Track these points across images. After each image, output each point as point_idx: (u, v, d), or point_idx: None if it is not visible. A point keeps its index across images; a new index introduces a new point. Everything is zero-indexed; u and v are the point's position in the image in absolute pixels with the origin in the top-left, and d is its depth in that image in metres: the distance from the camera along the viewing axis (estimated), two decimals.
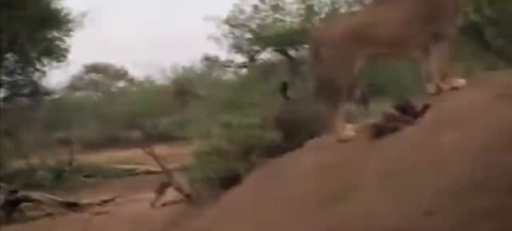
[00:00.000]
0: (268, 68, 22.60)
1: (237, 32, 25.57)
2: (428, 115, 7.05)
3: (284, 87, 7.74)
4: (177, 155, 18.70)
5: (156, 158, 12.58)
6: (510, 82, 7.18)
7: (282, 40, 24.94)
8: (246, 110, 9.10)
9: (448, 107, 6.96)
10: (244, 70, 27.12)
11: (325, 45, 7.65)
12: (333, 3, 23.97)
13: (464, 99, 7.07)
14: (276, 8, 24.93)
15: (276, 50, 26.15)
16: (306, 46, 25.48)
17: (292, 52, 25.63)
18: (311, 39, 8.29)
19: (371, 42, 7.61)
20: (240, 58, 26.54)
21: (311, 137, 8.87)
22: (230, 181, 8.36)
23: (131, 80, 29.27)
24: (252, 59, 26.29)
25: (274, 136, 8.58)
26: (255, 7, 24.82)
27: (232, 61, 26.62)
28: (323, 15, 25.34)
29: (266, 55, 26.64)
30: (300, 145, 8.58)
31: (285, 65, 23.52)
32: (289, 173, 7.67)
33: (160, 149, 22.21)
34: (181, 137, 19.97)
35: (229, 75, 29.37)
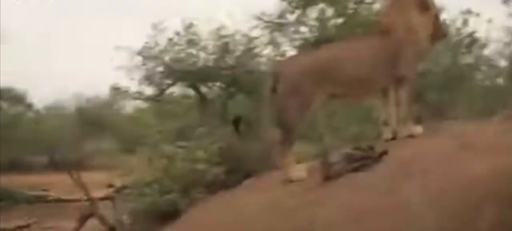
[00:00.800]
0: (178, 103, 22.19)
1: (150, 64, 25.26)
2: (389, 161, 6.86)
3: (237, 122, 7.45)
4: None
5: (82, 186, 12.04)
6: (469, 132, 7.11)
7: (195, 76, 24.78)
8: (191, 143, 8.75)
9: (410, 154, 6.78)
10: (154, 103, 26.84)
11: (283, 80, 7.39)
12: (248, 42, 23.95)
13: (424, 147, 6.94)
14: (191, 42, 24.76)
15: (187, 86, 25.95)
16: (218, 84, 25.50)
17: (203, 89, 25.51)
18: (270, 73, 8.06)
19: (331, 81, 7.43)
20: (150, 91, 26.24)
21: (249, 176, 8.65)
22: (169, 215, 7.99)
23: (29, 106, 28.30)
24: (162, 92, 25.99)
25: (218, 171, 8.25)
26: (170, 40, 24.61)
27: (142, 93, 26.25)
28: (237, 53, 25.39)
29: (177, 89, 26.49)
30: (241, 182, 8.31)
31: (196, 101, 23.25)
32: (232, 212, 7.32)
33: (66, 177, 21.61)
34: (89, 166, 19.41)
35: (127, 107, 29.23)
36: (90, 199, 12.02)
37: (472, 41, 14.32)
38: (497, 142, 6.66)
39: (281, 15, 18.45)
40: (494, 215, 5.05)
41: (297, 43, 17.13)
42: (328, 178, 6.96)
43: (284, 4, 18.25)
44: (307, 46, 14.88)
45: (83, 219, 12.08)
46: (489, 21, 16.95)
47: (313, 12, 17.34)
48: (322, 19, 16.58)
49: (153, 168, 8.36)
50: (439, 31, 7.88)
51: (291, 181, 7.33)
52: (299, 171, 7.46)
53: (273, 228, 6.46)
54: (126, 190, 14.66)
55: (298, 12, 17.14)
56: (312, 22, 17.17)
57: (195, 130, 9.71)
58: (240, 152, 9.16)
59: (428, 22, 7.65)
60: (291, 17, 17.86)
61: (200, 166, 8.29)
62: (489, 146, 6.55)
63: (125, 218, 10.19)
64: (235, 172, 8.69)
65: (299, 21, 17.38)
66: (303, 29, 17.33)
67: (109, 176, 17.29)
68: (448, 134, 7.27)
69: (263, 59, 24.95)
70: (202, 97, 21.57)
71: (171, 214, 8.01)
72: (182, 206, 8.01)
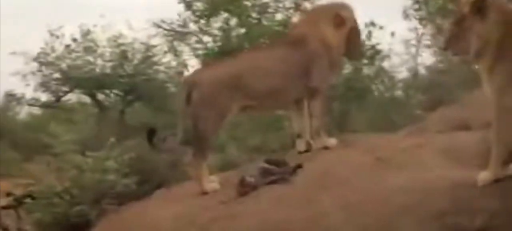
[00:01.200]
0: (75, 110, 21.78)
1: (46, 70, 24.76)
2: (305, 173, 6.88)
3: (151, 134, 7.33)
4: None
5: None
6: (383, 146, 7.21)
7: (92, 83, 24.42)
8: (100, 153, 8.57)
9: (326, 166, 6.82)
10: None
11: (198, 91, 7.32)
12: (146, 50, 23.78)
13: (339, 160, 6.99)
14: (88, 49, 24.40)
15: (85, 93, 25.54)
16: (116, 91, 25.19)
17: (100, 97, 25.15)
18: (184, 82, 7.98)
19: (245, 92, 7.40)
20: (46, 97, 25.75)
21: (160, 186, 8.56)
22: (79, 226, 7.82)
23: None
24: (59, 99, 25.51)
25: (128, 182, 8.12)
26: (67, 47, 24.18)
27: (37, 100, 25.72)
28: (136, 62, 25.16)
29: (73, 96, 26.05)
30: (151, 193, 8.22)
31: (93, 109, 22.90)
32: (145, 225, 7.19)
33: None
34: None
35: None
36: None
37: (375, 53, 14.58)
38: (410, 156, 6.77)
39: (184, 24, 18.28)
40: (411, 229, 5.09)
41: (200, 52, 17.05)
42: (243, 194, 6.92)
43: (188, 13, 18.05)
44: (210, 55, 14.76)
45: None
46: (392, 34, 17.34)
47: (217, 22, 17.26)
48: (225, 29, 16.52)
49: (62, 178, 8.13)
50: (355, 49, 7.92)
51: (205, 193, 7.24)
52: (213, 183, 7.38)
53: None
54: (29, 199, 14.31)
55: (202, 21, 16.98)
56: (216, 32, 17.08)
57: (98, 139, 9.50)
58: (150, 162, 9.04)
59: (341, 37, 7.67)
60: (195, 26, 17.69)
61: (111, 177, 8.11)
62: (403, 161, 6.65)
63: (28, 228, 9.90)
64: (146, 182, 8.57)
65: (202, 31, 17.23)
66: (206, 38, 17.24)
67: (7, 184, 16.82)
68: (362, 147, 7.34)
69: (161, 68, 24.86)
70: (100, 105, 21.19)
71: (81, 225, 7.83)
72: (92, 217, 7.81)
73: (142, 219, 7.38)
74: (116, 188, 8.12)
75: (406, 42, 18.52)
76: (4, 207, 12.33)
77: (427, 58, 18.42)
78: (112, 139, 8.65)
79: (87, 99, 26.13)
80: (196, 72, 8.59)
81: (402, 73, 17.76)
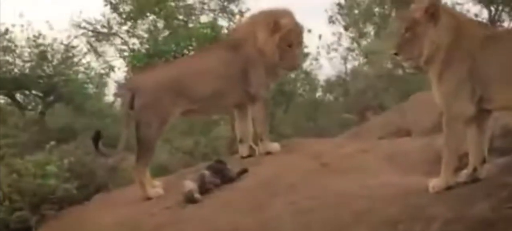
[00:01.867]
0: None
1: None
2: (252, 178, 6.86)
3: (96, 137, 7.22)
4: None
5: None
6: (326, 151, 7.25)
7: (10, 84, 23.92)
8: (40, 157, 8.40)
9: (273, 172, 6.81)
10: None
11: (139, 94, 7.25)
12: (66, 51, 23.44)
13: (285, 165, 6.99)
14: (6, 49, 23.87)
15: (3, 94, 24.98)
16: (35, 92, 24.71)
17: (19, 97, 24.63)
18: (126, 86, 7.88)
19: (187, 96, 7.36)
20: None
21: (99, 190, 8.45)
22: None
23: None
24: None
25: (69, 186, 7.97)
26: None
27: None
28: (55, 62, 24.74)
29: None
30: (90, 198, 8.11)
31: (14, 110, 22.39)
32: (86, 230, 7.08)
33: None
34: None
35: None
36: None
37: (303, 56, 14.64)
38: (356, 162, 6.83)
39: (109, 26, 18.03)
40: None
41: (126, 54, 16.85)
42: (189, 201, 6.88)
43: (113, 14, 17.81)
44: (137, 58, 14.61)
45: None
46: (320, 37, 17.45)
47: (144, 24, 17.07)
48: (152, 31, 16.35)
49: (2, 183, 7.92)
50: (292, 60, 7.82)
51: (149, 199, 7.17)
52: (156, 188, 7.32)
53: None
54: None
55: (128, 23, 16.77)
56: (143, 34, 16.90)
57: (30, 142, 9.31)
58: (89, 166, 8.88)
59: (274, 44, 7.60)
60: (122, 28, 17.46)
61: (51, 181, 7.94)
62: (349, 166, 6.70)
63: None
64: (85, 187, 8.42)
65: (129, 33, 17.02)
66: (132, 40, 17.06)
67: None
68: (306, 153, 7.36)
69: (81, 68, 24.51)
70: (20, 107, 20.74)
71: None
72: (32, 222, 7.64)
73: (84, 224, 7.28)
74: (57, 193, 7.93)
75: (329, 46, 18.73)
76: None
77: (350, 62, 18.72)
78: (52, 142, 8.46)
79: (7, 100, 25.73)
80: (137, 77, 8.48)
81: (327, 77, 17.98)
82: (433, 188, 5.41)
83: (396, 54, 5.81)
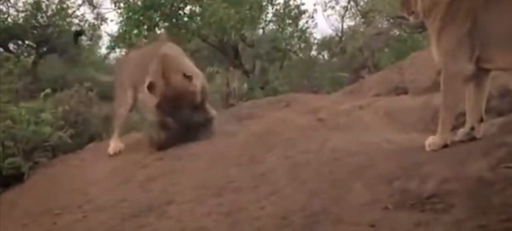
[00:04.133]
0: None
1: None
2: (247, 132, 6.85)
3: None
4: None
5: None
6: (324, 108, 7.23)
7: (4, 33, 23.88)
8: (35, 104, 8.36)
9: (269, 127, 6.79)
10: None
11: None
12: (60, 2, 23.31)
13: (282, 120, 6.98)
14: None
15: None
16: (28, 42, 24.65)
17: (12, 47, 24.60)
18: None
19: None
20: None
21: (92, 140, 8.43)
22: (11, 178, 7.62)
23: None
24: None
25: (63, 135, 7.95)
26: None
27: None
28: (50, 13, 24.66)
29: None
30: (82, 147, 8.10)
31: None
32: (79, 178, 7.05)
33: None
34: None
35: None
36: None
37: (299, 13, 14.56)
38: (352, 118, 6.81)
39: None
40: (362, 192, 5.08)
41: (122, 5, 16.66)
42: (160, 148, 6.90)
43: None
44: (133, 9, 14.48)
45: None
46: None
47: None
48: None
49: None
50: None
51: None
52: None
53: (129, 199, 6.23)
54: None
55: None
56: None
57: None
58: (83, 115, 8.85)
59: None
60: None
61: (45, 129, 7.91)
62: (346, 122, 6.69)
63: None
64: (78, 135, 8.40)
65: None
66: None
67: None
68: (302, 108, 7.35)
69: (76, 20, 24.45)
70: (15, 56, 20.68)
71: (14, 178, 7.64)
72: (25, 169, 7.61)
73: (76, 173, 7.28)
74: (51, 141, 7.91)
75: (326, 4, 18.60)
76: None
77: (346, 21, 18.60)
78: (48, 90, 8.41)
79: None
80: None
81: (323, 36, 17.89)
82: (430, 146, 5.37)
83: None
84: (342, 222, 4.73)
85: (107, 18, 19.67)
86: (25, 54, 25.15)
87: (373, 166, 5.36)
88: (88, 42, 25.94)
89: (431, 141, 5.42)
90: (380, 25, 14.24)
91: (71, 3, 24.24)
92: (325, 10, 18.04)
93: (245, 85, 11.92)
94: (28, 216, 6.56)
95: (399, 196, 4.81)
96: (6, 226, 6.47)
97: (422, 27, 10.25)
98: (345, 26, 17.89)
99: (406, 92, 7.97)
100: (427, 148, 5.39)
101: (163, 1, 14.69)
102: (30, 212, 6.63)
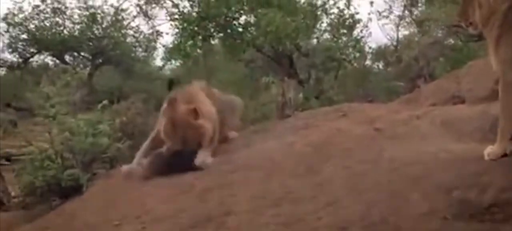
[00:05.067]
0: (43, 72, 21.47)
1: (13, 31, 24.67)
2: (305, 143, 6.87)
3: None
4: None
5: None
6: (381, 117, 7.23)
7: (60, 45, 24.31)
8: (93, 115, 8.49)
9: (327, 137, 6.81)
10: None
11: None
12: (116, 14, 23.60)
13: (339, 130, 6.99)
14: (57, 11, 24.17)
15: (52, 55, 25.41)
16: (84, 54, 25.03)
17: (68, 59, 25.00)
18: None
19: None
20: (12, 58, 25.67)
21: None
22: (70, 190, 7.76)
23: None
24: (26, 61, 25.38)
25: (121, 146, 8.07)
26: (35, 7, 23.96)
27: (5, 61, 25.61)
28: (105, 24, 25.01)
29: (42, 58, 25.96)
30: None
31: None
32: (140, 190, 7.11)
33: None
34: None
35: None
36: None
37: (354, 23, 14.57)
38: (409, 128, 6.79)
39: None
40: (421, 202, 5.07)
41: (176, 17, 16.75)
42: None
43: None
44: (188, 21, 14.60)
45: None
46: (371, 3, 17.21)
47: None
48: None
49: (54, 141, 8.05)
50: None
51: None
52: None
53: (187, 210, 6.29)
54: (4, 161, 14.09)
55: None
56: None
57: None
58: (140, 126, 8.97)
59: None
60: None
61: (103, 140, 8.04)
62: (403, 132, 6.67)
63: (10, 188, 9.81)
64: (136, 147, 8.50)
65: None
66: (184, 3, 16.91)
67: None
68: (359, 118, 7.35)
69: (130, 32, 24.75)
70: (72, 68, 21.01)
71: (72, 189, 7.78)
72: (83, 181, 7.75)
73: (136, 184, 7.31)
74: (108, 152, 8.05)
75: (380, 13, 18.49)
76: None
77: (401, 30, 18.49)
78: (105, 102, 8.55)
79: (56, 61, 26.18)
80: None
81: (378, 45, 17.82)
82: (489, 155, 5.32)
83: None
84: None
85: (162, 32, 19.86)
86: (81, 66, 25.63)
87: (431, 175, 5.33)
88: (143, 54, 26.26)
89: (489, 150, 5.36)
90: (435, 34, 14.16)
91: (126, 14, 24.55)
92: (379, 19, 17.97)
93: (301, 95, 11.97)
94: (87, 228, 6.63)
95: (457, 206, 4.78)
96: None
97: (478, 36, 10.16)
98: (400, 35, 17.85)
99: (463, 102, 7.91)
100: (486, 158, 5.33)
101: (217, 12, 14.79)
102: (90, 224, 6.70)
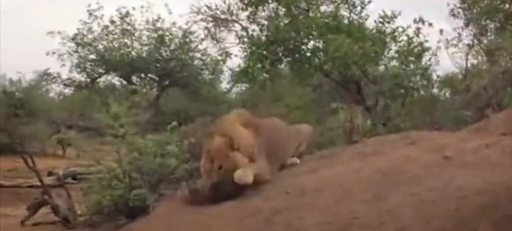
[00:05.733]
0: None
1: (82, 51, 25.14)
2: (373, 169, 6.88)
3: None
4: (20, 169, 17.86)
5: (36, 171, 11.66)
6: (450, 145, 7.20)
7: (127, 66, 24.67)
8: (161, 136, 8.63)
9: (395, 164, 6.81)
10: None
11: None
12: (184, 36, 23.83)
13: (407, 157, 6.98)
14: (125, 32, 24.56)
15: (119, 76, 25.83)
16: (151, 75, 25.36)
17: (135, 80, 25.36)
18: None
19: None
20: (80, 78, 26.14)
21: None
22: (136, 210, 7.89)
23: None
24: (93, 81, 25.85)
25: (189, 167, 8.18)
26: (105, 28, 24.38)
27: (73, 81, 26.10)
28: (173, 47, 25.32)
29: (109, 78, 26.40)
30: None
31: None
32: (206, 212, 7.16)
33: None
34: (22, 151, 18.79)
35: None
36: (44, 187, 11.70)
37: (423, 50, 14.53)
38: (479, 157, 6.75)
39: (229, 11, 18.06)
40: None
41: (245, 40, 16.86)
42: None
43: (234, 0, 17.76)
44: (257, 44, 14.69)
45: (36, 207, 11.73)
46: (441, 32, 17.10)
47: (265, 11, 16.92)
48: (273, 18, 16.19)
49: (122, 160, 8.20)
50: None
51: None
52: None
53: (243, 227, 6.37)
54: (71, 179, 14.39)
55: (249, 9, 16.65)
56: (263, 21, 16.73)
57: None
58: None
59: None
60: (242, 14, 17.40)
61: (171, 161, 8.17)
62: (473, 161, 6.63)
63: (76, 207, 10.01)
64: None
65: (250, 19, 16.92)
66: (253, 27, 16.98)
67: (46, 162, 16.95)
68: (428, 145, 7.33)
69: (198, 54, 24.98)
70: (133, 90, 21.34)
71: (139, 209, 7.90)
72: (150, 201, 7.87)
73: (202, 206, 7.37)
74: (176, 173, 8.16)
75: (449, 42, 18.33)
76: (51, 186, 12.40)
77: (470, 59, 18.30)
78: (174, 123, 8.68)
79: (123, 82, 26.61)
80: None
81: (445, 73, 17.70)
82: None
83: None
84: None
85: (231, 53, 20.02)
86: (148, 87, 26.01)
87: (500, 205, 5.31)
88: (210, 77, 26.47)
89: None
90: (504, 63, 14.03)
91: (194, 37, 24.79)
92: (448, 48, 17.85)
93: (368, 122, 12.00)
94: None
95: None
96: None
97: None
98: (468, 64, 17.71)
99: None
100: None
101: (286, 36, 14.88)
102: None
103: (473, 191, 5.67)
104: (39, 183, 12.07)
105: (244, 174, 7.10)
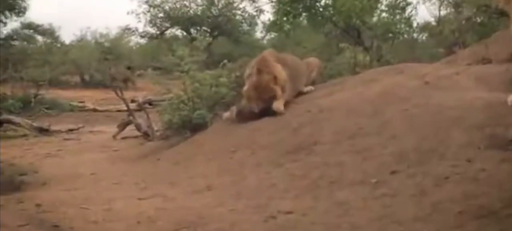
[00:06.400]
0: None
1: (153, 11, 25.28)
2: (370, 91, 6.87)
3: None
4: (108, 98, 18.18)
5: (124, 99, 11.81)
6: (429, 73, 7.17)
7: (187, 21, 24.82)
8: (215, 71, 8.68)
9: (387, 88, 6.79)
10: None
11: None
12: None
13: (397, 83, 6.95)
14: None
15: (181, 29, 25.95)
16: (205, 28, 25.35)
17: (193, 31, 25.47)
18: None
19: None
20: (152, 31, 26.31)
21: None
22: (198, 126, 7.98)
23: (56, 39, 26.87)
24: (162, 33, 26.01)
25: (236, 94, 8.24)
26: None
27: (147, 33, 26.30)
28: (220, 6, 25.29)
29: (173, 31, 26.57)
30: None
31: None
32: (250, 126, 7.16)
33: (94, 92, 21.28)
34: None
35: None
36: (129, 110, 11.85)
37: (406, 4, 14.37)
38: (451, 82, 6.73)
39: None
40: (460, 136, 5.07)
41: None
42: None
43: None
44: (283, 1, 14.49)
45: (123, 126, 11.90)
46: None
47: None
48: None
49: (187, 89, 8.28)
50: None
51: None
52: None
53: (284, 139, 6.41)
54: (148, 105, 14.54)
55: None
56: None
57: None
58: None
59: None
60: None
61: (223, 89, 8.22)
62: (446, 84, 6.61)
63: (156, 127, 10.13)
64: None
65: None
66: None
67: (129, 93, 17.19)
68: (412, 74, 7.30)
69: (239, 11, 25.14)
70: (192, 38, 21.32)
71: (200, 125, 7.98)
72: (208, 119, 7.95)
73: (246, 122, 7.36)
74: (227, 98, 8.22)
75: None
76: (135, 110, 12.57)
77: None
78: (225, 61, 8.73)
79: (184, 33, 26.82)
80: None
81: (424, 21, 17.51)
82: (511, 101, 5.28)
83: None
84: (446, 158, 4.78)
85: (263, 10, 19.95)
86: (203, 36, 26.03)
87: (468, 116, 5.34)
88: (248, 28, 26.68)
89: (511, 98, 5.31)
90: (466, 13, 13.85)
91: None
92: (424, 2, 17.60)
93: (367, 58, 11.96)
94: (211, 153, 6.81)
95: (488, 139, 4.83)
96: (198, 159, 6.80)
97: (500, 14, 9.96)
98: (441, 14, 17.49)
99: (490, 62, 7.80)
100: (509, 103, 5.29)
101: None
102: (213, 150, 6.88)
103: (448, 106, 5.71)
104: (125, 108, 12.26)
105: (279, 106, 7.21)
